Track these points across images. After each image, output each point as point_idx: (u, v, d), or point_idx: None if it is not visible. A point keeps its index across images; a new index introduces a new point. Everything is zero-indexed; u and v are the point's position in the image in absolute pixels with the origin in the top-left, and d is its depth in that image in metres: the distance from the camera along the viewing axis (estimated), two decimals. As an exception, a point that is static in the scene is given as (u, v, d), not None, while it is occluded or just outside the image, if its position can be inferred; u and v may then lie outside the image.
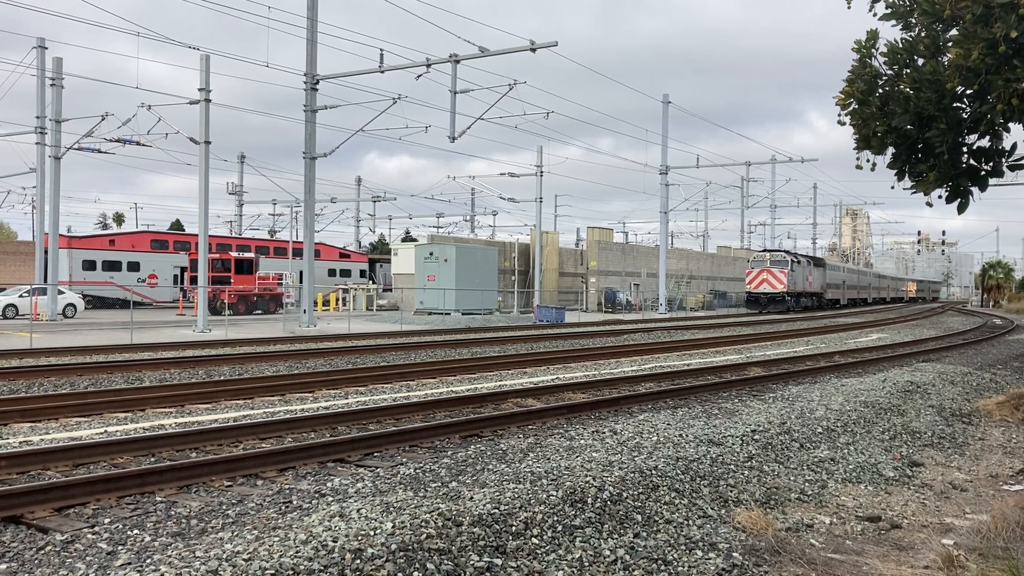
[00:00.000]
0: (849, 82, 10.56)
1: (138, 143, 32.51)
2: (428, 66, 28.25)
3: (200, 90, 28.65)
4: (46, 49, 33.46)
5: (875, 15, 10.42)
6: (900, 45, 10.06)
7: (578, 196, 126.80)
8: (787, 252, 56.93)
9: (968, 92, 9.77)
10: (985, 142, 10.36)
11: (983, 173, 10.37)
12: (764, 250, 60.33)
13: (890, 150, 10.73)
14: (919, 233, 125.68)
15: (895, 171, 10.89)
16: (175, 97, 54.57)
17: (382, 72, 28.62)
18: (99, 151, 33.64)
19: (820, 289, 59.45)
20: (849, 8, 10.53)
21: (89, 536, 5.76)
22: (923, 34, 10.00)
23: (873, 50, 10.35)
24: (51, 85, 33.30)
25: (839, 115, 10.72)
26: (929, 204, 10.99)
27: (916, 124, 10.15)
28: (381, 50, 28.47)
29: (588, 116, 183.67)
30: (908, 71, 10.06)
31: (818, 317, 47.11)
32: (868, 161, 11.00)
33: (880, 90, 10.40)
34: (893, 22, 10.29)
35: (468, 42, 30.52)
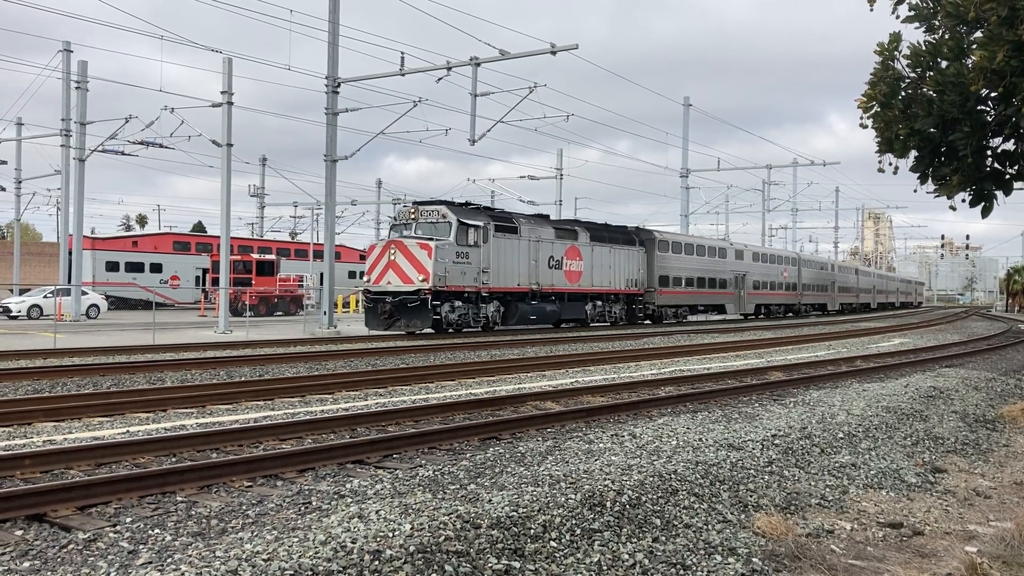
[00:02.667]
0: (871, 85, 10.49)
1: (161, 145, 32.88)
2: (448, 69, 28.30)
3: (223, 93, 28.91)
4: (71, 52, 33.88)
5: (898, 17, 10.35)
6: (923, 47, 9.98)
7: (597, 199, 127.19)
8: (459, 206, 28.63)
9: (992, 95, 9.68)
10: (1010, 145, 10.27)
11: (1008, 176, 10.27)
12: (413, 203, 29.86)
13: (913, 153, 10.65)
14: (942, 237, 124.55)
15: (918, 174, 10.80)
16: (196, 99, 55.09)
17: (403, 75, 28.70)
18: (123, 153, 34.09)
19: (636, 288, 37.08)
20: (872, 10, 10.44)
21: (111, 535, 5.81)
22: (947, 36, 9.91)
23: (896, 52, 10.27)
24: (76, 88, 33.70)
25: (861, 118, 10.64)
26: (952, 208, 10.89)
27: (939, 127, 10.06)
28: (402, 53, 28.60)
29: (606, 118, 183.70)
30: (931, 74, 9.97)
31: (840, 321, 46.62)
32: (890, 164, 10.92)
33: (903, 93, 10.32)
34: (916, 24, 10.22)
35: (488, 45, 30.54)
